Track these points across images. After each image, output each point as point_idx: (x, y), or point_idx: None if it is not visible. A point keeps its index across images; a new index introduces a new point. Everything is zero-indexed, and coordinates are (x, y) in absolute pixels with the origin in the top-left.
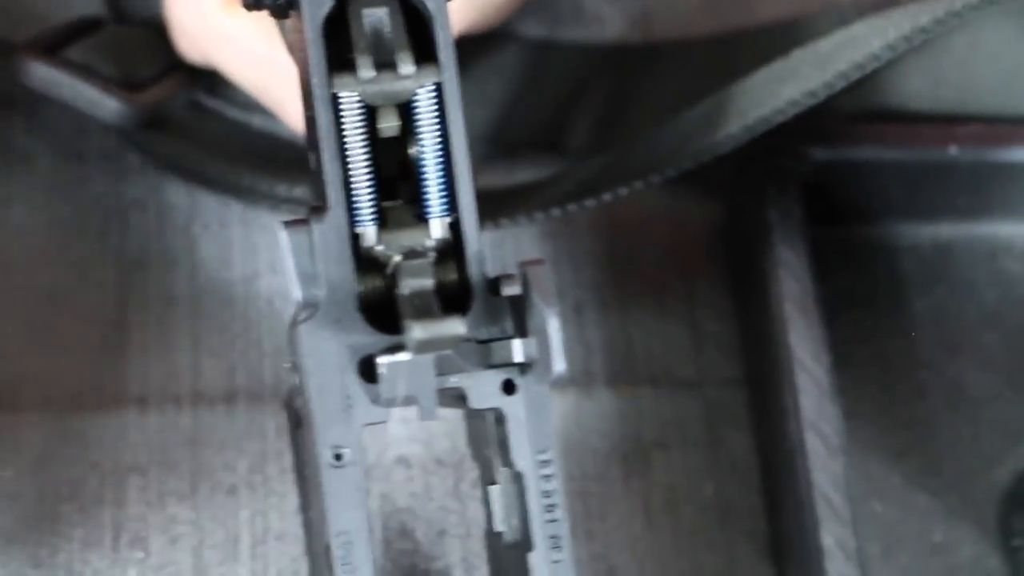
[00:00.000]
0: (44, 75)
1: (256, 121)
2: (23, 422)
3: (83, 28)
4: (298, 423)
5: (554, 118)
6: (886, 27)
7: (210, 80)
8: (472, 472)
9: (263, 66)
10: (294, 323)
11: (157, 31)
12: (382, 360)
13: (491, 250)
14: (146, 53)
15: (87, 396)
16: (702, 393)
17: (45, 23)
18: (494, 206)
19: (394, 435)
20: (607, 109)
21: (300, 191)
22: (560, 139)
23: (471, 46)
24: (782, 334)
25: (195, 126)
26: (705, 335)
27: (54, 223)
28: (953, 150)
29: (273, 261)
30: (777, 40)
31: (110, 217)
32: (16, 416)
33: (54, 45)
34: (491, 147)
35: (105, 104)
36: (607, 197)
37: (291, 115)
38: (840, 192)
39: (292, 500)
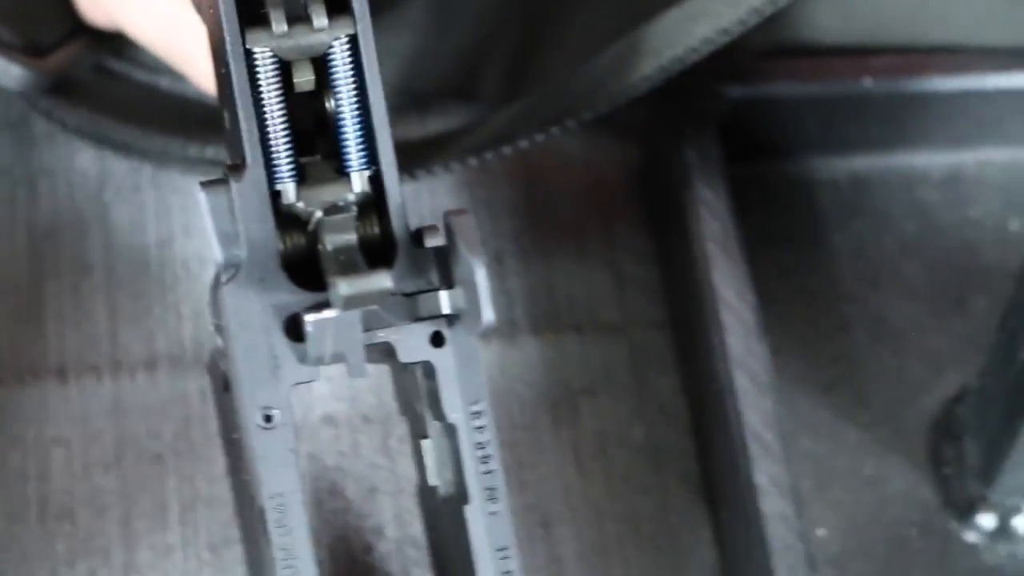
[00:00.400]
0: None
1: (164, 83)
2: None
3: None
4: (224, 386)
5: (464, 65)
6: None
7: (115, 42)
8: (400, 427)
9: (169, 25)
10: (216, 285)
11: None
12: (308, 318)
13: (409, 203)
14: (48, 17)
15: (4, 369)
16: (627, 337)
17: None
18: (409, 158)
19: (319, 393)
20: (518, 54)
21: (212, 151)
22: (472, 87)
23: None
24: (705, 274)
25: (102, 90)
26: (627, 279)
27: None
28: (867, 82)
29: (188, 224)
30: None
31: (18, 186)
32: None
33: None
34: (402, 98)
35: (8, 71)
36: (524, 144)
37: (200, 75)
38: (755, 129)
39: (219, 465)
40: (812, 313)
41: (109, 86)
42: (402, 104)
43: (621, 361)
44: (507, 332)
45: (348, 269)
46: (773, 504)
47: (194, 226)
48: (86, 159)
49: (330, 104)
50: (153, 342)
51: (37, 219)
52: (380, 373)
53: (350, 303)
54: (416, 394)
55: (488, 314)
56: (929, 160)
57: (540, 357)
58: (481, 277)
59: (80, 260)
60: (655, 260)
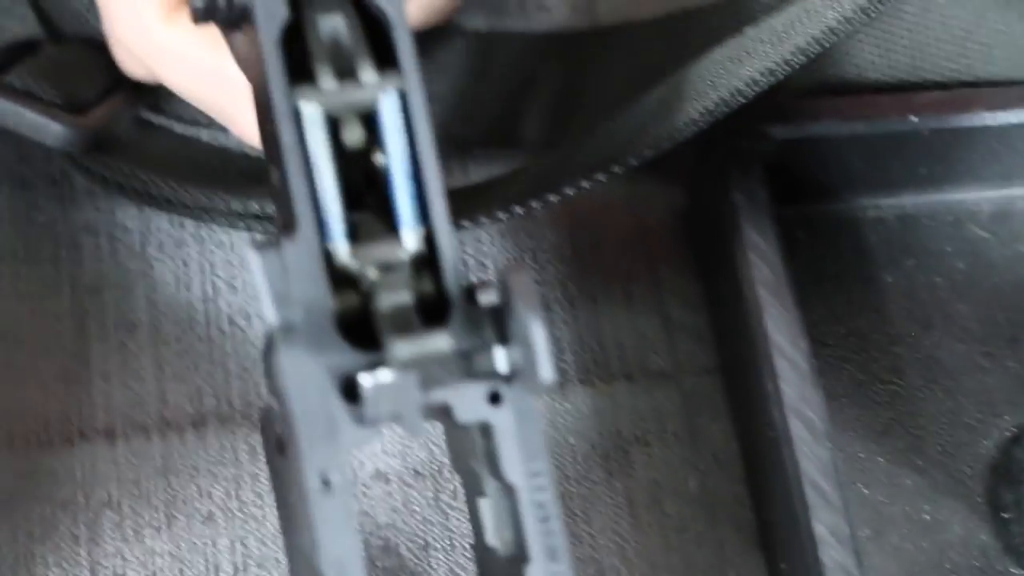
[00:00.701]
0: None
1: (204, 135)
2: None
3: (20, 51)
4: (279, 448)
5: (506, 111)
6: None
7: (154, 94)
8: (451, 482)
9: (211, 79)
10: (270, 347)
11: (97, 48)
12: (365, 380)
13: None
14: (87, 72)
15: (53, 431)
16: (678, 384)
17: None
18: (454, 208)
19: (369, 449)
20: (559, 99)
21: (256, 205)
22: (514, 133)
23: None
24: (757, 320)
25: (143, 145)
26: (676, 325)
27: (3, 254)
28: (913, 119)
29: (232, 278)
30: (726, 17)
31: (61, 244)
32: None
33: None
34: (444, 145)
35: (49, 129)
36: (569, 191)
37: (242, 128)
38: (801, 169)
39: (271, 524)
40: (864, 356)
41: (149, 140)
42: (444, 151)
43: (673, 409)
44: (556, 382)
45: (404, 330)
46: (833, 554)
47: (239, 280)
48: (128, 215)
49: (380, 159)
50: (201, 400)
51: (81, 277)
52: (431, 426)
53: (407, 365)
54: (472, 452)
55: (547, 372)
56: (978, 196)
57: (591, 407)
58: (539, 335)
59: (125, 318)
60: (703, 304)
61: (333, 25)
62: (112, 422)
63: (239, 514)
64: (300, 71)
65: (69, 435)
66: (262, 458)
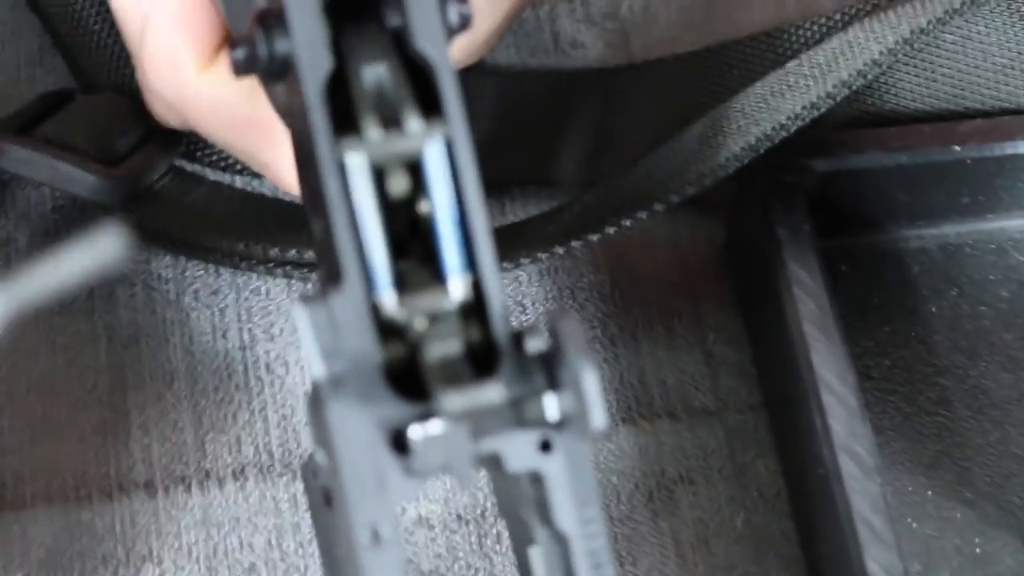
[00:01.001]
0: (20, 156)
1: (239, 181)
2: (29, 518)
3: (54, 103)
4: (325, 500)
5: (542, 150)
6: (884, 31)
7: (188, 141)
8: (494, 526)
9: (247, 128)
10: (317, 400)
11: (130, 97)
12: (415, 432)
13: None
14: (120, 122)
15: (92, 485)
16: (722, 421)
17: (13, 101)
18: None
19: None
20: (595, 136)
21: (293, 252)
22: (551, 171)
23: None
24: (804, 356)
25: (177, 193)
26: (719, 361)
27: (38, 309)
28: (956, 149)
29: (269, 325)
30: (763, 51)
31: (96, 295)
32: (21, 513)
33: (26, 124)
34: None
35: (84, 181)
36: (610, 230)
37: (278, 174)
38: (843, 201)
39: (314, 575)
40: (910, 388)
41: (183, 189)
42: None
43: (717, 446)
44: (608, 428)
45: (454, 380)
46: None
47: (276, 328)
48: (163, 264)
49: (425, 207)
50: (241, 450)
51: (117, 328)
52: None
53: (458, 417)
54: (521, 500)
55: (599, 419)
56: (1021, 224)
57: (634, 446)
58: (590, 382)
59: (163, 368)
60: (746, 340)
61: (377, 73)
62: (151, 474)
63: (281, 564)
64: (344, 120)
65: (108, 489)
66: (304, 508)
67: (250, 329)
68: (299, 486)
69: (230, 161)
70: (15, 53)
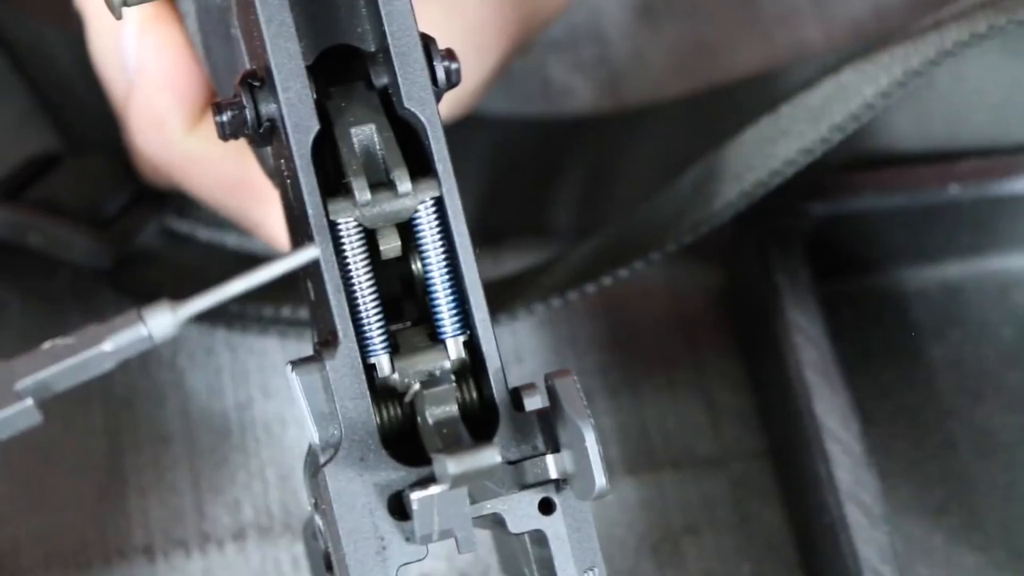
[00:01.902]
0: (9, 222)
1: (230, 240)
2: None
3: (42, 166)
4: (327, 566)
5: (535, 199)
6: (876, 73)
7: (178, 202)
8: None
9: (237, 189)
10: (314, 466)
11: (119, 158)
12: (414, 496)
13: None
14: (110, 184)
15: (91, 551)
16: (726, 470)
17: (1, 164)
18: (489, 301)
19: None
20: (588, 184)
21: (288, 311)
22: (545, 219)
23: None
24: (806, 404)
25: (169, 254)
26: (721, 409)
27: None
28: (954, 189)
29: (265, 384)
30: (755, 94)
31: None
32: None
33: (15, 188)
34: (474, 236)
35: (75, 244)
36: (607, 281)
37: (268, 233)
38: (842, 244)
39: None
40: (916, 432)
41: (175, 250)
42: (475, 242)
43: (722, 495)
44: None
45: (452, 445)
46: None
47: (272, 386)
48: None
49: (417, 267)
50: (240, 511)
51: (112, 391)
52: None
53: (458, 482)
54: (524, 559)
55: (600, 480)
56: (1022, 262)
57: (638, 498)
58: (591, 442)
59: (159, 430)
60: (748, 387)
61: (365, 135)
62: (150, 539)
63: None
64: (333, 181)
65: (107, 554)
66: (305, 569)
67: (246, 389)
68: (300, 547)
69: (221, 219)
70: (2, 115)
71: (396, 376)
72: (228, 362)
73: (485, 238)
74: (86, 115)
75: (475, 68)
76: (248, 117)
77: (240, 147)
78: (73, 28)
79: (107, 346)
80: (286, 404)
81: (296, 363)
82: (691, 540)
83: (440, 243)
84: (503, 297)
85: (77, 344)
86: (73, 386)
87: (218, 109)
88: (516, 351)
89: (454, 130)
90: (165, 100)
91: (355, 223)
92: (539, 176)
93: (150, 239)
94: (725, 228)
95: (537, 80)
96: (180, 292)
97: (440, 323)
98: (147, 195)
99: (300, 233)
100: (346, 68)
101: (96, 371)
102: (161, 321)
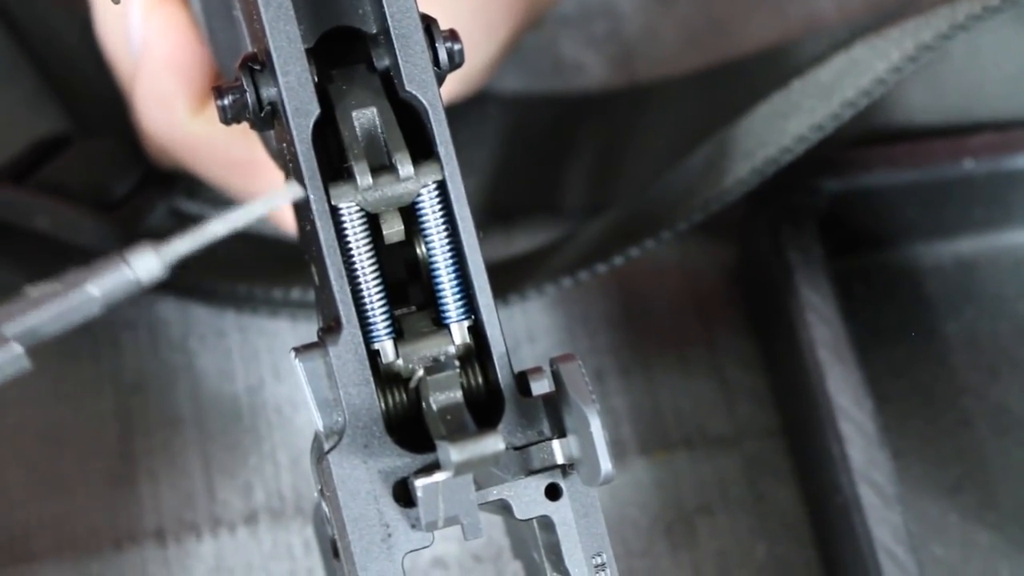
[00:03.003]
0: (16, 205)
1: None
2: (39, 571)
3: (50, 148)
4: (334, 552)
5: (546, 176)
6: (888, 48)
7: (187, 182)
8: (511, 564)
9: (243, 169)
10: (319, 453)
11: (128, 141)
12: (419, 482)
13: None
14: (118, 166)
15: (102, 535)
16: (740, 449)
17: (8, 146)
18: (500, 281)
19: None
20: (600, 161)
21: (298, 293)
22: (556, 198)
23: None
24: (819, 382)
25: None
26: (735, 387)
27: (42, 356)
28: (968, 163)
29: (276, 366)
30: (767, 69)
31: (100, 342)
32: (31, 565)
33: (23, 171)
34: (485, 216)
35: (82, 227)
36: (619, 260)
37: (278, 216)
38: (855, 221)
39: None
40: (930, 410)
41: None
42: (484, 222)
43: (736, 474)
44: (615, 454)
45: (457, 431)
46: None
47: (283, 368)
48: (167, 309)
49: (421, 251)
50: (251, 495)
51: (122, 375)
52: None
53: (462, 468)
54: (533, 543)
55: (606, 465)
56: None
57: (651, 477)
58: (596, 427)
59: (169, 414)
60: (761, 365)
61: (367, 118)
62: (161, 523)
63: None
64: (335, 165)
65: (118, 539)
66: (317, 552)
67: (257, 371)
68: (312, 530)
69: (229, 200)
70: (11, 97)
71: (400, 362)
72: (238, 344)
73: (496, 217)
74: (93, 97)
75: (483, 45)
76: (249, 101)
77: (246, 128)
78: (80, 9)
79: (93, 289)
80: (297, 387)
81: (299, 349)
82: (705, 520)
83: (443, 227)
84: (514, 277)
85: (63, 288)
86: (61, 331)
87: (219, 93)
88: (528, 331)
89: (464, 108)
90: (170, 81)
91: (357, 207)
92: (550, 154)
93: (159, 220)
94: (737, 205)
95: (548, 56)
96: (189, 274)
97: (444, 308)
98: (155, 176)
99: (303, 218)
100: (347, 50)
101: (84, 315)
102: (146, 263)
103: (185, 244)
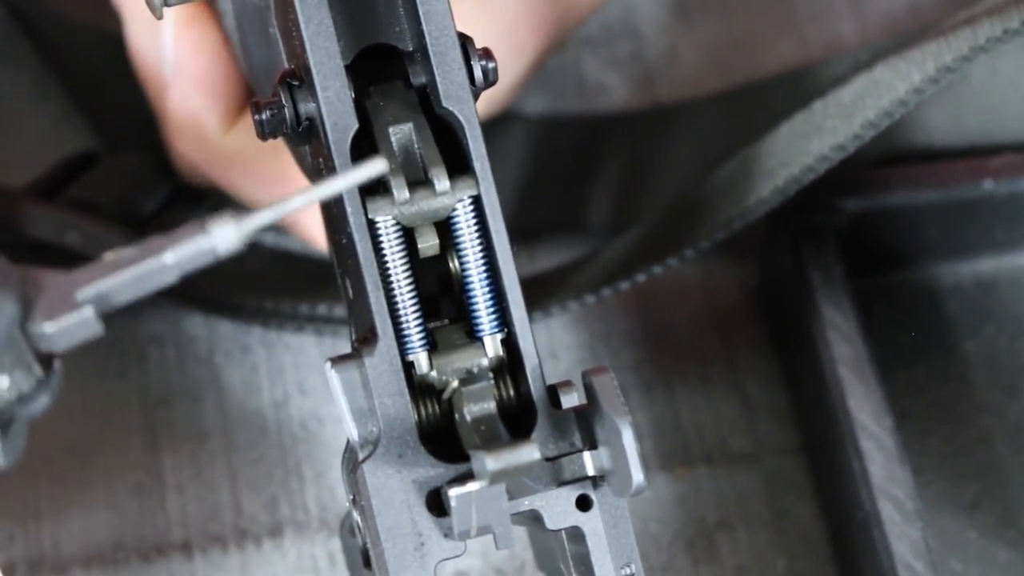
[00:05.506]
0: (46, 222)
1: (268, 238)
2: None
3: (79, 165)
4: (365, 562)
5: (570, 196)
6: (909, 70)
7: (216, 198)
8: None
9: (273, 185)
10: (352, 462)
11: (156, 156)
12: (452, 492)
13: None
14: (146, 183)
15: (128, 549)
16: (761, 465)
17: (38, 164)
18: (525, 299)
19: None
20: (624, 180)
21: (324, 308)
22: (579, 217)
23: None
24: (840, 400)
25: None
26: (756, 404)
27: (70, 370)
28: (988, 184)
29: (302, 381)
30: (789, 90)
31: (128, 356)
32: None
33: (52, 188)
34: (510, 234)
35: (112, 243)
36: (641, 279)
37: (305, 231)
38: (875, 240)
39: None
40: (950, 427)
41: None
42: (511, 239)
43: (756, 491)
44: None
45: (491, 441)
46: None
47: (308, 383)
48: (194, 323)
49: (455, 265)
50: (277, 508)
51: (149, 389)
52: None
53: (496, 478)
54: (561, 555)
55: (638, 476)
56: None
57: (672, 493)
58: (628, 439)
59: (196, 428)
60: (782, 382)
61: (404, 133)
62: (188, 536)
63: None
64: (374, 184)
65: (145, 552)
66: (341, 565)
67: (282, 386)
68: (337, 543)
69: None
70: (40, 116)
71: (434, 374)
72: (264, 359)
73: (520, 235)
74: (122, 114)
75: (510, 66)
76: (287, 116)
77: (277, 145)
78: (109, 27)
79: (169, 257)
80: (322, 401)
81: (335, 360)
82: (725, 535)
83: (478, 241)
84: (537, 294)
85: (139, 255)
86: (134, 299)
87: (257, 108)
88: (551, 347)
89: (489, 128)
90: (202, 99)
91: (393, 221)
92: (574, 173)
93: None
94: (759, 224)
95: (572, 77)
96: (216, 290)
97: (478, 321)
98: (184, 193)
99: (338, 231)
100: (384, 67)
101: (158, 283)
102: (225, 233)
103: (265, 216)
